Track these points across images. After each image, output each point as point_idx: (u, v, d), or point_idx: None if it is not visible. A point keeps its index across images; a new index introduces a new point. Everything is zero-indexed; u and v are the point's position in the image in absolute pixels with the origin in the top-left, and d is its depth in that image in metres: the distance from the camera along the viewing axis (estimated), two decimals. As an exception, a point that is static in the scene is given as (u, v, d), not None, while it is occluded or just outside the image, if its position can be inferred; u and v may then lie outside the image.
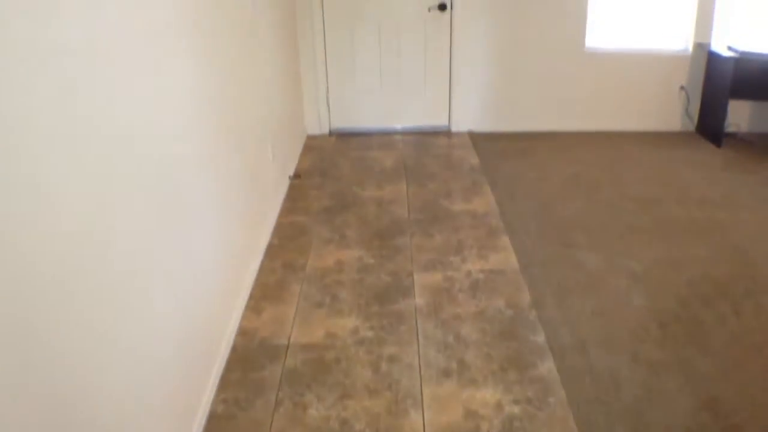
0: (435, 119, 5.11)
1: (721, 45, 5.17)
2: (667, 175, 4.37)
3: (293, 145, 4.44)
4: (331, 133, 5.11)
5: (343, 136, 5.05)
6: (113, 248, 1.45)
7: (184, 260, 1.97)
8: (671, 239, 3.41)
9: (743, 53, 4.98)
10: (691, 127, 5.36)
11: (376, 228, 3.49)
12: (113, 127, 1.48)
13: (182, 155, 2.00)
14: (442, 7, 4.82)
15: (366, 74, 4.98)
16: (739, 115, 5.37)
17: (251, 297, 2.82)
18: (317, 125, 5.06)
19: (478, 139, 4.96)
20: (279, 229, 3.49)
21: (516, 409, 2.13)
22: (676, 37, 5.26)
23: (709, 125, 5.20)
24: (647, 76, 5.18)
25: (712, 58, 5.12)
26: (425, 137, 5.02)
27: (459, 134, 5.08)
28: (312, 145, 4.90)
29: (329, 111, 5.06)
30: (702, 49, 5.18)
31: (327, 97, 5.01)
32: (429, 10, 4.83)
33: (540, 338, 2.52)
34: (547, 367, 2.35)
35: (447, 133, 5.10)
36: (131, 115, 1.59)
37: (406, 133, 5.09)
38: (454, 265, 3.09)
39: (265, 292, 2.87)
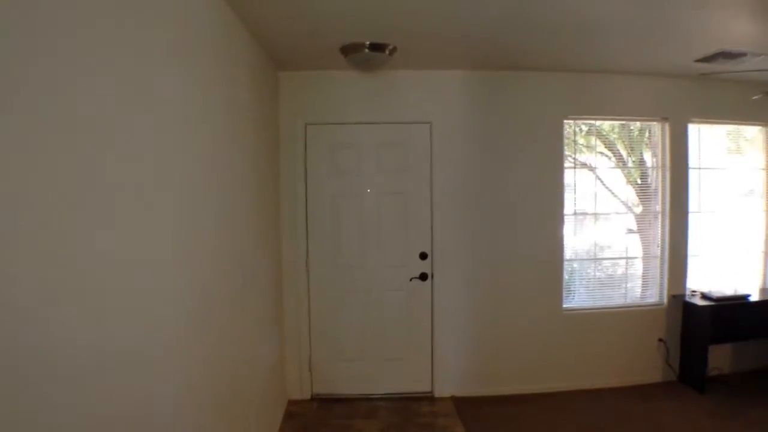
0: (418, 384, 5.15)
1: (695, 293, 5.40)
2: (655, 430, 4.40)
3: (275, 413, 4.42)
4: (313, 398, 5.09)
5: (326, 402, 5.04)
6: None
7: None
8: None
9: (718, 299, 5.17)
10: (673, 376, 5.46)
11: None
12: None
13: None
14: (423, 277, 4.98)
15: (350, 340, 5.10)
16: (720, 358, 5.50)
17: None
18: (299, 389, 5.05)
19: (462, 405, 4.98)
20: None
21: None
22: (651, 291, 5.47)
23: (691, 373, 5.31)
24: (625, 331, 5.35)
25: (689, 309, 5.31)
26: (409, 403, 5.02)
27: (442, 400, 5.09)
28: (293, 411, 4.87)
29: (311, 375, 5.07)
30: (677, 300, 5.38)
31: (309, 361, 5.04)
32: (410, 279, 4.99)
33: None
34: None
35: (430, 398, 5.12)
36: None
37: (389, 398, 5.09)
38: None
39: None
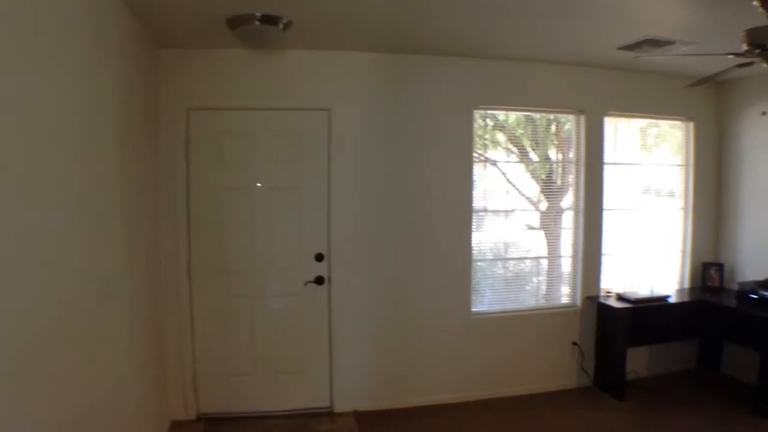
0: (316, 399, 4.76)
1: (611, 294, 5.27)
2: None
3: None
4: (199, 418, 4.59)
5: (214, 422, 4.56)
6: None
7: None
8: None
9: (636, 301, 5.01)
10: (588, 381, 5.28)
11: None
12: None
13: None
14: (320, 281, 4.58)
15: (240, 353, 4.65)
16: (637, 361, 5.34)
17: None
18: (183, 409, 4.54)
19: (365, 420, 4.61)
20: None
21: None
22: (563, 292, 5.26)
23: (608, 378, 5.16)
24: (537, 335, 5.16)
25: (605, 311, 5.13)
26: (307, 420, 4.61)
27: (343, 415, 4.70)
28: (175, 436, 4.38)
29: (196, 393, 4.57)
30: (592, 301, 5.18)
31: (194, 378, 4.56)
32: (305, 284, 4.57)
33: None
34: None
35: (330, 414, 4.71)
36: None
37: (285, 416, 4.66)
38: None
39: None
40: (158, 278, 4.36)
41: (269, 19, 3.62)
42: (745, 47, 2.91)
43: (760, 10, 2.83)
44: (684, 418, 4.64)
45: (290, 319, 4.65)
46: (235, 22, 3.64)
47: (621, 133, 5.48)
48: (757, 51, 2.88)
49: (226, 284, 4.57)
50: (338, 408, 4.74)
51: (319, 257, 4.62)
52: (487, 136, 5.19)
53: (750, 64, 3.09)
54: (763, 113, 4.18)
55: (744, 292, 4.99)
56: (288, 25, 3.73)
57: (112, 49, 3.14)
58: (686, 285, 5.72)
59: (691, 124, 5.60)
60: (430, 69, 4.72)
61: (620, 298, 5.16)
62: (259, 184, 4.56)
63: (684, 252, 5.75)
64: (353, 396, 4.76)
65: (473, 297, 5.00)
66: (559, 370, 5.22)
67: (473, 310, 4.98)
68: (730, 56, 3.05)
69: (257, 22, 3.62)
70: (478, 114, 4.97)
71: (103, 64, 2.94)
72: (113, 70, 3.14)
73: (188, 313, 4.53)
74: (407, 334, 4.84)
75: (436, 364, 4.91)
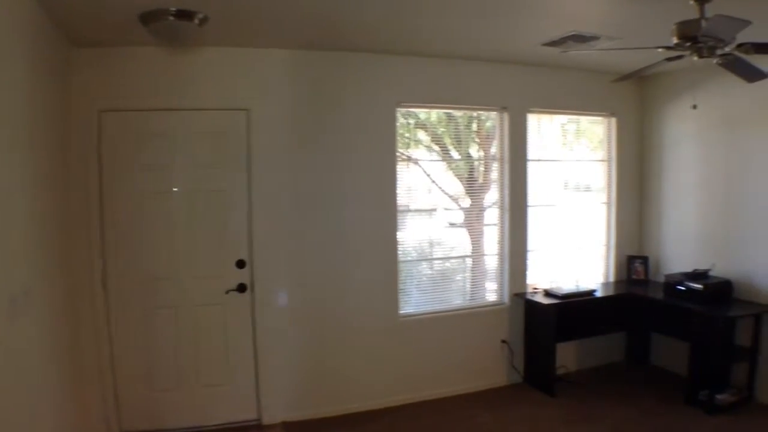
0: (243, 412, 4.58)
1: (538, 290, 5.33)
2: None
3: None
4: (120, 437, 4.36)
5: (135, 441, 4.33)
6: None
7: None
8: None
9: (564, 296, 5.05)
10: (519, 378, 5.31)
11: None
12: None
13: None
14: (242, 288, 4.42)
15: (162, 367, 4.44)
16: (566, 356, 5.40)
17: None
18: (105, 429, 4.29)
19: (295, 431, 4.47)
20: None
21: None
22: (491, 290, 5.27)
23: (538, 374, 5.19)
24: (467, 334, 5.17)
25: (533, 307, 5.16)
26: (233, 434, 4.44)
27: (272, 427, 4.55)
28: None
29: (118, 411, 4.33)
30: (519, 298, 5.20)
31: (115, 394, 4.31)
32: (227, 292, 4.40)
33: None
34: None
35: (258, 426, 4.55)
36: None
37: (212, 431, 4.46)
38: None
39: None
40: (72, 290, 4.09)
41: (184, 14, 3.45)
42: (675, 40, 2.91)
43: (691, 2, 2.85)
44: (617, 411, 4.71)
45: (213, 330, 4.47)
46: (149, 18, 3.44)
47: (544, 130, 5.53)
48: (687, 44, 2.88)
49: (145, 295, 4.35)
50: (267, 420, 4.58)
51: (241, 264, 4.46)
52: (409, 135, 5.14)
53: (680, 57, 3.10)
54: (694, 106, 4.26)
55: (671, 284, 5.10)
56: (204, 20, 3.56)
57: (20, 47, 2.92)
58: (612, 278, 5.84)
59: (614, 120, 5.71)
60: (352, 66, 4.64)
61: (547, 294, 5.21)
62: (175, 189, 4.38)
63: (608, 246, 5.86)
64: (282, 407, 4.62)
65: (401, 298, 4.92)
66: (490, 368, 5.22)
67: (401, 311, 4.93)
68: (660, 50, 3.04)
69: (171, 17, 3.43)
70: (400, 113, 4.90)
71: (7, 62, 2.71)
72: (19, 69, 2.91)
73: (105, 326, 4.27)
74: (336, 340, 4.74)
75: (367, 369, 4.82)
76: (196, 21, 3.53)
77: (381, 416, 4.72)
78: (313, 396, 4.70)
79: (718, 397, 4.61)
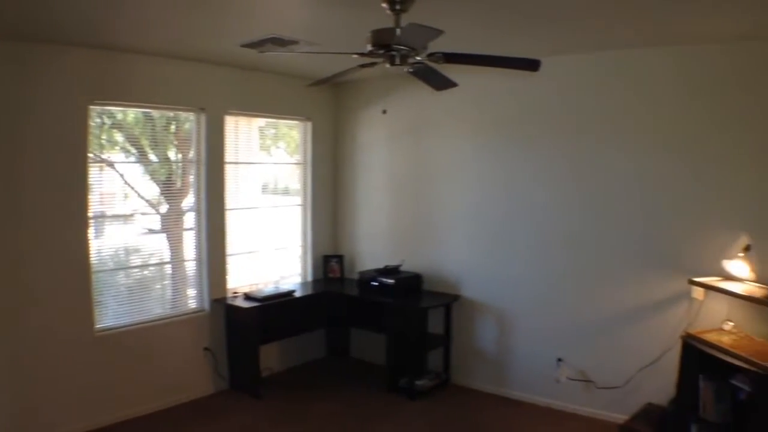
0: None
1: (238, 294, 5.38)
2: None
3: None
4: None
5: None
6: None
7: None
8: None
9: (264, 299, 5.15)
10: (225, 385, 5.33)
11: None
12: None
13: None
14: None
15: None
16: (270, 358, 5.54)
17: None
18: None
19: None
20: None
21: None
22: (191, 297, 5.18)
23: (244, 378, 5.24)
24: (168, 345, 5.01)
25: (233, 312, 5.19)
26: None
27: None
28: None
29: None
30: (219, 304, 5.20)
31: None
32: None
33: None
34: None
35: None
36: None
37: None
38: None
39: None
40: None
41: None
42: (369, 47, 3.00)
43: (388, 12, 3.01)
44: (323, 405, 4.99)
45: None
46: None
47: (242, 133, 5.58)
48: (381, 51, 2.99)
49: None
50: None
51: None
52: (104, 136, 4.76)
53: (373, 64, 3.20)
54: (384, 111, 4.66)
55: (365, 280, 5.54)
56: None
57: None
58: (310, 278, 6.16)
59: (309, 124, 6.01)
60: (35, 59, 4.11)
61: (248, 297, 5.27)
62: None
63: (305, 246, 6.17)
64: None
65: (97, 312, 4.54)
66: (194, 378, 5.12)
67: (97, 326, 4.53)
68: (355, 56, 3.12)
69: None
70: (95, 112, 4.51)
71: None
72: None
73: None
74: (31, 358, 4.17)
75: (65, 393, 4.32)
76: None
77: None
78: (14, 417, 4.08)
79: (418, 383, 5.17)
